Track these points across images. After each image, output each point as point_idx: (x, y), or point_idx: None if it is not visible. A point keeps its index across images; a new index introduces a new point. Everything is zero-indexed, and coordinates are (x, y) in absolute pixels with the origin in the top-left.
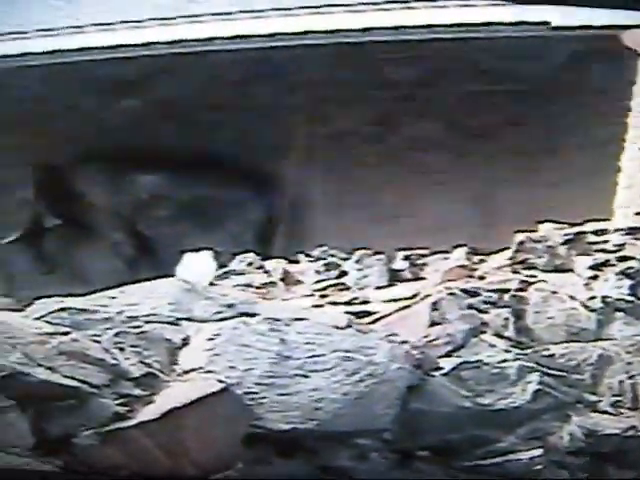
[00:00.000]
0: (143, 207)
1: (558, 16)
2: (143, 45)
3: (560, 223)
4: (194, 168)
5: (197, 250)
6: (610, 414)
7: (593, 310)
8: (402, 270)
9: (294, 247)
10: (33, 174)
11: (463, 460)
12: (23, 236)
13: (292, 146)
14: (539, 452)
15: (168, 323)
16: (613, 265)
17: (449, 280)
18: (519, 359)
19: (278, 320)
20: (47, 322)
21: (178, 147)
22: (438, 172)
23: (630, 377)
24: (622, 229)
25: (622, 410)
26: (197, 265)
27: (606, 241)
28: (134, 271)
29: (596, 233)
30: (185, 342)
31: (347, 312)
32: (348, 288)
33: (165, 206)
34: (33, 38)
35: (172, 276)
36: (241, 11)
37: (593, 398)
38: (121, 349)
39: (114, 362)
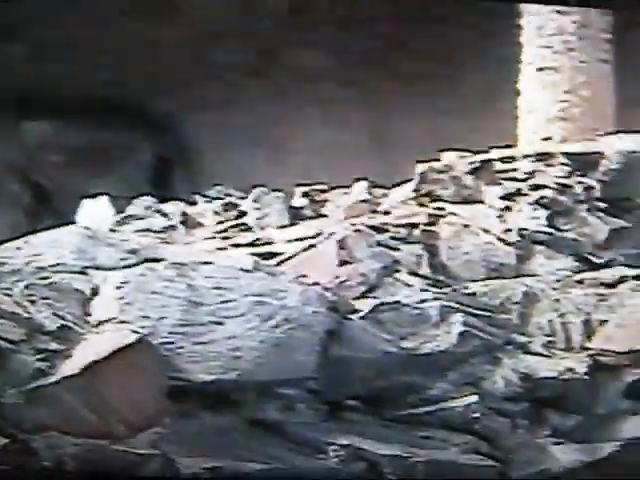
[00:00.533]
0: (34, 155)
1: None
2: None
3: (464, 151)
4: (81, 112)
5: (94, 196)
6: (543, 356)
7: (510, 243)
8: (302, 208)
9: (190, 188)
10: None
11: (395, 409)
12: None
13: (177, 82)
14: (474, 399)
15: (75, 272)
16: (525, 194)
17: (352, 216)
18: (439, 299)
19: (184, 265)
20: None
21: (58, 91)
22: (327, 102)
23: (560, 315)
24: (530, 155)
25: (555, 351)
26: (96, 211)
27: (515, 169)
28: (35, 221)
29: (503, 160)
30: (95, 292)
31: (252, 254)
32: (250, 228)
33: (56, 152)
34: None
35: (72, 224)
36: None
37: (523, 339)
38: (33, 302)
39: (28, 315)
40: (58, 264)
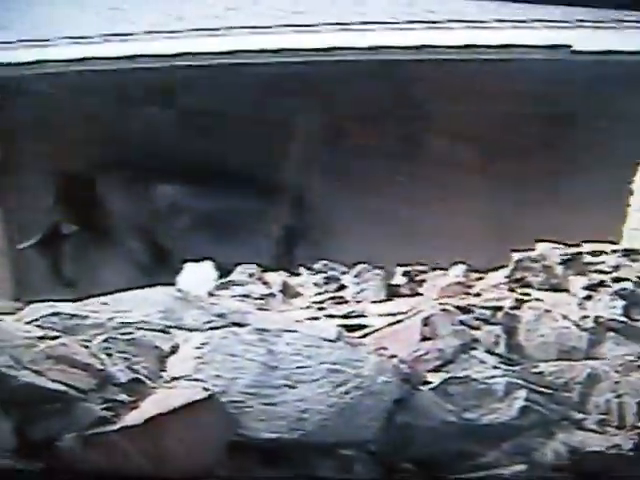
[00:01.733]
0: (161, 218)
1: (580, 40)
2: (167, 56)
3: (559, 243)
4: (214, 180)
5: (199, 260)
6: (596, 432)
7: (585, 329)
8: (400, 286)
9: (312, 261)
10: (54, 181)
11: (447, 473)
12: (40, 242)
13: (312, 162)
14: (523, 467)
15: (158, 331)
16: (608, 286)
17: (445, 296)
18: (507, 375)
19: (267, 331)
20: (38, 326)
21: (196, 158)
22: (460, 191)
23: (617, 396)
24: (618, 251)
25: (608, 428)
26: (197, 275)
27: (602, 262)
28: (147, 279)
29: (593, 254)
30: (174, 350)
31: (343, 325)
32: (346, 301)
33: (184, 217)
34: (56, 45)
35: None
36: (266, 26)
37: (579, 416)
38: (109, 355)
39: (101, 367)
40: (142, 322)
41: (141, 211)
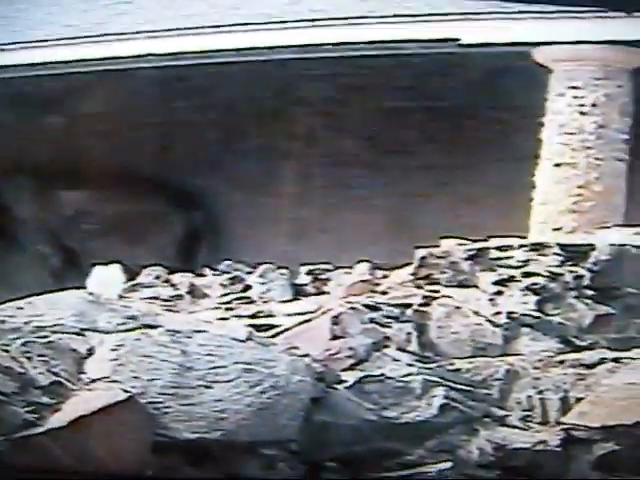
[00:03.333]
0: (69, 222)
1: (469, 33)
2: (67, 62)
3: (463, 239)
4: (118, 184)
5: (107, 263)
6: (519, 428)
7: (498, 325)
8: (305, 285)
9: (215, 262)
10: None
11: (371, 472)
12: None
13: (211, 162)
14: (448, 465)
15: (73, 333)
16: (518, 281)
17: (351, 295)
18: (423, 373)
19: (179, 332)
20: None
21: (101, 163)
22: (353, 187)
23: (539, 392)
24: (526, 245)
25: (531, 424)
26: (106, 278)
27: (510, 257)
28: (59, 282)
29: (500, 249)
30: (90, 352)
31: (251, 325)
32: (253, 301)
33: (90, 221)
34: None
35: (78, 288)
36: (160, 30)
37: (501, 412)
38: (29, 358)
39: (22, 370)
40: (57, 325)
41: (48, 217)
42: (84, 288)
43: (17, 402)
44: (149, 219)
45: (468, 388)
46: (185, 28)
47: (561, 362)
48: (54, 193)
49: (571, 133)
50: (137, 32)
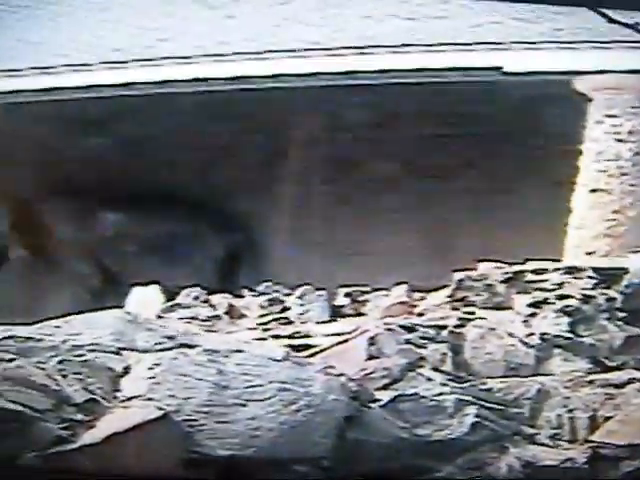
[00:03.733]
0: (109, 243)
1: (511, 61)
2: (113, 85)
3: (500, 262)
4: (158, 205)
5: (146, 284)
6: (548, 446)
7: (531, 346)
8: (343, 306)
9: (254, 283)
10: (6, 207)
11: None
12: None
13: (252, 185)
14: None
15: (110, 352)
16: (552, 303)
17: (389, 316)
18: (456, 392)
19: (216, 352)
20: None
21: (143, 185)
22: (394, 211)
23: (568, 411)
24: (561, 268)
25: (560, 442)
26: (145, 298)
27: (545, 280)
28: (98, 302)
29: (535, 272)
30: (126, 371)
31: (289, 345)
32: (291, 322)
33: (130, 242)
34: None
35: (117, 307)
36: (202, 54)
37: (531, 431)
38: (64, 376)
39: (57, 388)
40: (94, 344)
41: (88, 238)
42: (122, 308)
43: (51, 419)
44: (188, 240)
45: (499, 407)
46: (226, 54)
47: (591, 382)
48: (95, 214)
49: (608, 160)
50: (182, 57)
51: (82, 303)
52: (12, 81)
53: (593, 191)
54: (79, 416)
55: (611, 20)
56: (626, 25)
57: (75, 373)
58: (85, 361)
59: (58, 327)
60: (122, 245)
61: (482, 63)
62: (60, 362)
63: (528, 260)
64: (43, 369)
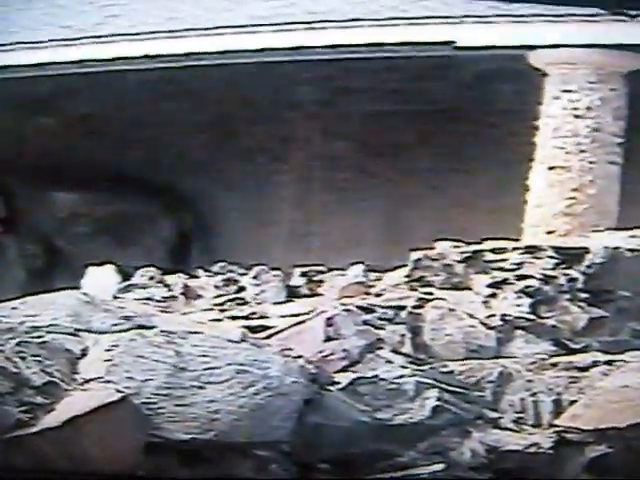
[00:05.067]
0: (62, 224)
1: (464, 36)
2: (60, 63)
3: (458, 241)
4: (108, 185)
5: (101, 264)
6: (512, 430)
7: (492, 328)
8: (299, 287)
9: (207, 263)
10: None
11: (363, 473)
12: None
13: (202, 164)
14: (440, 467)
15: (68, 334)
16: (512, 284)
17: (345, 297)
18: (416, 375)
19: (173, 333)
20: None
21: (92, 165)
22: (346, 190)
23: (532, 394)
24: (520, 248)
25: (524, 427)
26: (100, 278)
27: (504, 260)
28: (39, 283)
29: (494, 252)
30: (84, 352)
31: (245, 326)
32: (246, 303)
33: (83, 223)
34: None
35: (73, 288)
36: (151, 32)
37: (494, 415)
38: (23, 358)
39: (15, 370)
40: (52, 325)
41: (40, 219)
42: (75, 289)
43: (11, 402)
44: (140, 221)
45: (461, 390)
46: (176, 30)
47: (554, 365)
48: (47, 194)
49: (565, 136)
50: (129, 34)
51: (22, 283)
52: None
53: (551, 168)
54: (38, 399)
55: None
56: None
57: (33, 355)
58: (43, 342)
59: (15, 308)
60: (74, 226)
61: (434, 38)
62: (18, 344)
63: (486, 239)
64: (1, 351)
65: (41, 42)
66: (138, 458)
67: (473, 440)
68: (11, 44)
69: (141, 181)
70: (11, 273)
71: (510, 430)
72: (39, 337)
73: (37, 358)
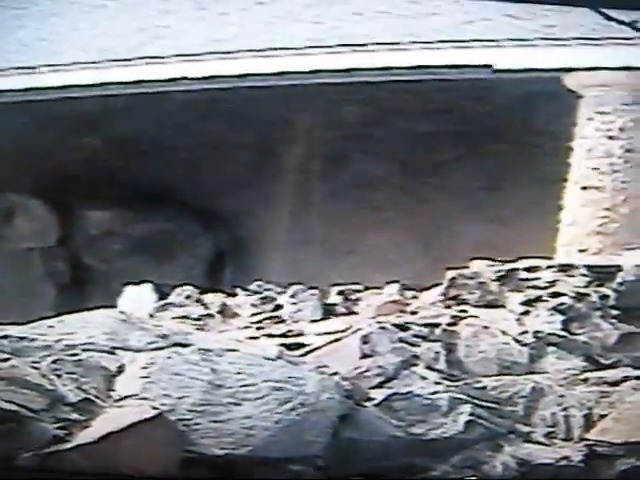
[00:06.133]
0: (93, 242)
1: (502, 59)
2: (102, 84)
3: (493, 260)
4: (146, 204)
5: (139, 283)
6: (543, 444)
7: (525, 344)
8: (336, 305)
9: (242, 282)
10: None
11: None
12: None
13: (240, 183)
14: None
15: (104, 352)
16: (545, 301)
17: (381, 315)
18: (450, 391)
19: (210, 350)
20: None
21: (130, 183)
22: (384, 209)
23: (563, 409)
24: (554, 266)
25: (555, 440)
26: (137, 297)
27: (538, 278)
28: (68, 300)
29: (528, 270)
30: (120, 370)
31: (282, 344)
32: (283, 321)
33: (117, 241)
34: None
35: (110, 307)
36: (194, 53)
37: (526, 429)
38: (58, 375)
39: (51, 387)
40: (88, 343)
41: (70, 236)
42: (108, 307)
43: (46, 418)
44: (177, 239)
45: (494, 405)
46: (219, 52)
47: (585, 380)
48: (81, 213)
49: (599, 157)
50: (171, 56)
51: (52, 300)
52: (5, 79)
53: (584, 188)
54: (74, 415)
55: (608, 18)
56: (622, 23)
57: (69, 373)
58: (79, 360)
59: (51, 327)
60: (108, 244)
61: (473, 60)
62: (54, 362)
63: (520, 258)
64: (37, 369)
65: (83, 63)
66: (173, 473)
67: (505, 454)
68: (52, 65)
69: (179, 200)
70: (40, 290)
71: (541, 444)
72: (75, 355)
73: (73, 375)
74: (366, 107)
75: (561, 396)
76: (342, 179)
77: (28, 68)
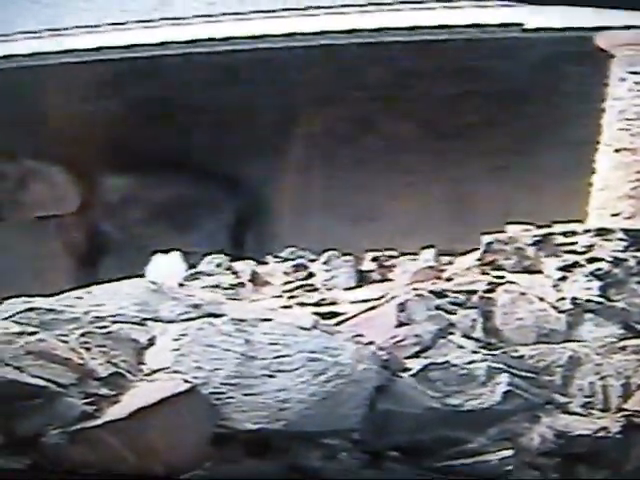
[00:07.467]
0: (112, 209)
1: (533, 18)
2: (120, 47)
3: (529, 224)
4: (166, 169)
5: (167, 251)
6: (581, 415)
7: (562, 311)
8: (370, 272)
9: (266, 248)
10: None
11: (433, 460)
12: None
13: (265, 147)
14: (509, 453)
15: (134, 323)
16: (582, 266)
17: (417, 281)
18: (487, 360)
19: (243, 321)
20: (15, 322)
21: (150, 148)
22: (412, 172)
23: (601, 378)
24: (590, 230)
25: (593, 411)
26: (166, 266)
27: (575, 242)
28: (95, 271)
29: (565, 234)
30: (151, 342)
31: (315, 313)
32: (316, 289)
33: (137, 207)
34: (12, 41)
35: (139, 276)
36: (221, 13)
37: (563, 399)
38: (88, 349)
39: (81, 362)
40: (118, 315)
41: (92, 203)
42: (139, 277)
43: (75, 394)
44: (201, 205)
45: (532, 375)
46: (242, 13)
47: (623, 348)
48: (101, 179)
49: (631, 119)
50: (193, 17)
51: (71, 272)
52: (25, 43)
53: (617, 151)
54: (103, 390)
55: None
56: None
57: (98, 346)
58: (108, 333)
59: (79, 298)
60: (129, 211)
61: (502, 19)
62: (83, 335)
63: (555, 222)
64: (66, 342)
65: (99, 26)
66: (205, 449)
67: (542, 425)
68: (70, 28)
69: (203, 165)
70: (58, 261)
71: (579, 415)
72: (104, 327)
73: (102, 349)
74: (390, 69)
75: (598, 365)
76: (370, 142)
77: (49, 31)
